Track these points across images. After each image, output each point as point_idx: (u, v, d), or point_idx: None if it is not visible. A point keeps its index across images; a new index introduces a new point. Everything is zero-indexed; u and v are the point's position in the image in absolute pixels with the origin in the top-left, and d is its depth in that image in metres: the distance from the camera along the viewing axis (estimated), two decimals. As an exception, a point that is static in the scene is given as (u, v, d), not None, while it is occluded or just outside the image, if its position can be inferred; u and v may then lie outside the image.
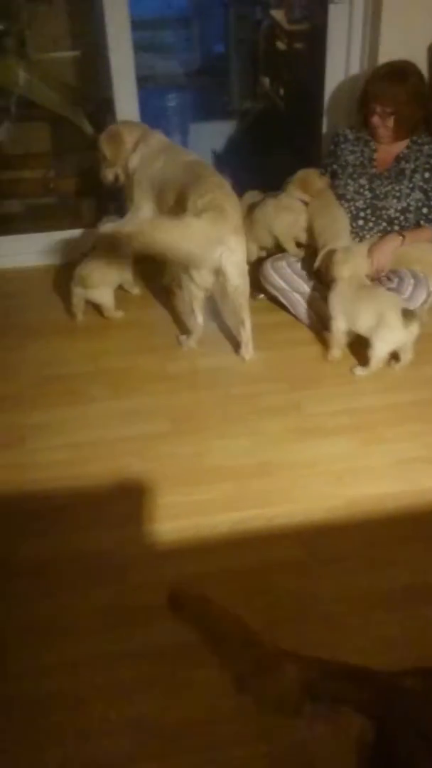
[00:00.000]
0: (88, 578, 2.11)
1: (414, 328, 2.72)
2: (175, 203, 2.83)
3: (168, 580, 2.03)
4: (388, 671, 1.15)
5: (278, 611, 2.00)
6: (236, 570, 2.12)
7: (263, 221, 3.16)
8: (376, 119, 3.02)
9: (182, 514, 2.28)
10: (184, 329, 3.07)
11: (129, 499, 2.36)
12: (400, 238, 3.01)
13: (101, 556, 2.17)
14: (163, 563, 2.15)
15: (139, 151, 3.03)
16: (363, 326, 2.79)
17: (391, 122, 2.99)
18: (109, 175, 3.17)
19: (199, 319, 2.96)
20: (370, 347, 2.78)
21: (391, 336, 2.74)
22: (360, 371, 2.84)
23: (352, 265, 2.81)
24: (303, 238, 3.17)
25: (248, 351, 2.98)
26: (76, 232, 3.62)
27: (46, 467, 2.48)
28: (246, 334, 2.97)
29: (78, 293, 3.15)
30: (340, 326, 2.85)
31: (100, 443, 2.57)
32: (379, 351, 2.78)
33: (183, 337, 3.04)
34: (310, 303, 3.13)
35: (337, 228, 3.02)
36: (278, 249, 3.22)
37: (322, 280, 3.00)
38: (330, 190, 3.16)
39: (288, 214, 3.14)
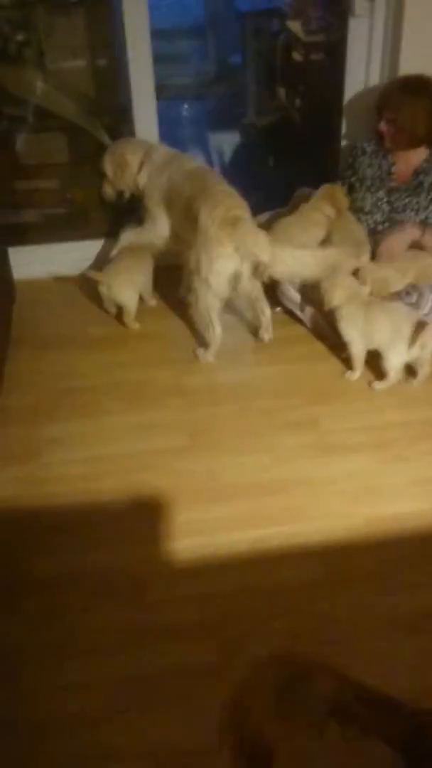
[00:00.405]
0: (104, 596, 2.09)
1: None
2: (184, 213, 2.87)
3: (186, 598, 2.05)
4: (426, 708, 1.12)
5: (296, 633, 1.97)
6: (254, 589, 2.09)
7: (286, 234, 3.12)
8: (381, 126, 3.05)
9: (199, 532, 2.26)
10: (201, 342, 3.05)
11: (145, 515, 2.34)
12: (419, 231, 3.00)
13: (117, 574, 2.15)
14: (180, 581, 2.12)
15: (145, 170, 3.08)
16: (380, 342, 2.77)
17: (393, 130, 3.02)
18: (109, 191, 3.23)
19: (217, 329, 2.94)
20: (385, 360, 2.76)
21: (405, 347, 2.72)
22: (379, 385, 2.81)
23: (343, 289, 2.79)
24: None
25: (268, 333, 3.09)
26: (92, 243, 3.61)
27: (62, 482, 2.45)
28: (266, 320, 3.08)
29: (103, 293, 3.15)
30: (357, 349, 2.84)
31: (116, 458, 2.55)
32: (395, 362, 2.76)
33: (200, 351, 3.02)
34: (312, 321, 3.11)
35: (356, 246, 3.01)
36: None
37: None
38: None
39: (316, 228, 3.12)
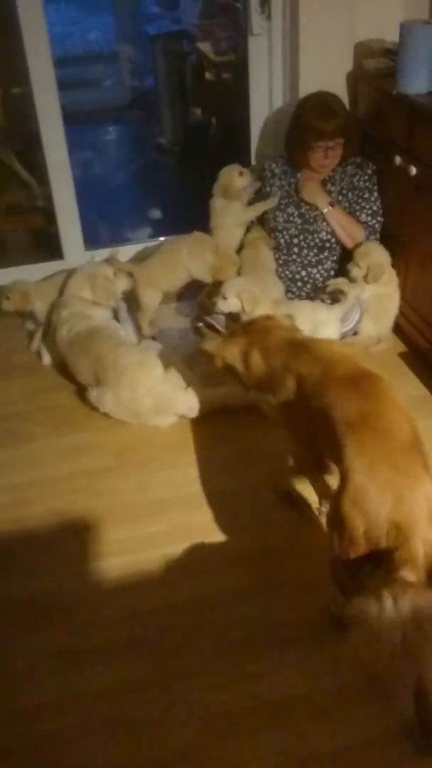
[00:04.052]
0: (33, 622, 2.08)
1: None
2: None
3: (116, 617, 2.05)
4: None
5: (227, 640, 2.00)
6: (185, 602, 2.11)
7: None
8: (320, 154, 3.02)
9: (127, 550, 2.27)
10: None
11: (73, 537, 2.33)
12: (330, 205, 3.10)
13: (46, 598, 2.14)
14: (109, 601, 2.12)
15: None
16: None
17: (339, 150, 3.03)
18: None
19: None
20: None
21: (330, 331, 2.86)
22: None
23: (231, 299, 2.85)
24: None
25: None
26: (14, 270, 3.59)
27: (-12, 511, 2.44)
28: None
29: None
30: None
31: (43, 483, 2.55)
32: None
33: None
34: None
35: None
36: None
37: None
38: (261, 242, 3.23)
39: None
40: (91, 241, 3.65)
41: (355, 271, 2.99)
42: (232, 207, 3.22)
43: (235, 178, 3.20)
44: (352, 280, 3.04)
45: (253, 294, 2.83)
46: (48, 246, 3.62)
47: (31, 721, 1.83)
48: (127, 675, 1.93)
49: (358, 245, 3.06)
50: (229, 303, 2.85)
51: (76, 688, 1.90)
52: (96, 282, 2.96)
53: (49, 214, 3.54)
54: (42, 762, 1.76)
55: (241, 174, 3.21)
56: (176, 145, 5.45)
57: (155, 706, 1.85)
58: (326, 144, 2.99)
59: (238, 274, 3.17)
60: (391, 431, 1.70)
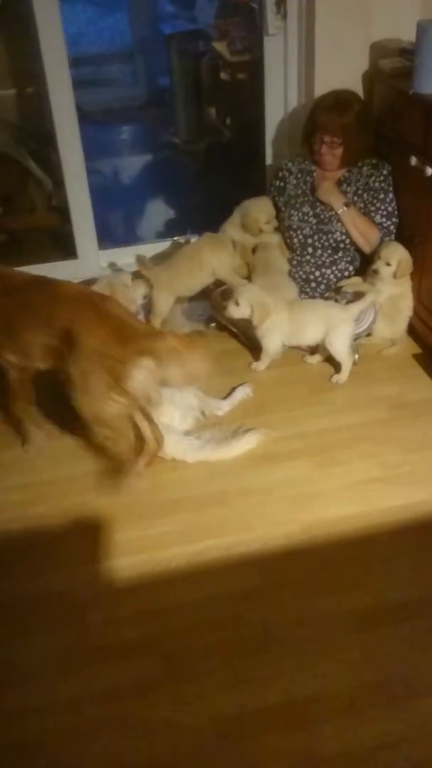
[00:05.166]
0: (46, 621, 2.08)
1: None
2: None
3: (127, 616, 2.06)
4: None
5: (239, 641, 2.00)
6: (195, 602, 2.11)
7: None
8: (324, 149, 3.05)
9: (139, 549, 2.27)
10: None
11: (85, 537, 2.34)
12: (346, 206, 3.09)
13: (58, 598, 2.14)
14: (120, 600, 2.13)
15: None
16: (313, 337, 2.93)
17: (339, 151, 3.04)
18: None
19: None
20: (335, 351, 2.92)
21: (346, 330, 2.89)
22: (337, 378, 2.96)
23: (245, 306, 2.87)
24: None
25: None
26: (29, 269, 3.59)
27: (1, 508, 2.44)
28: None
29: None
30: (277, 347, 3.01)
31: (55, 482, 2.55)
32: (346, 347, 2.92)
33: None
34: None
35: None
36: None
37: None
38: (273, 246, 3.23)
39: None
40: (105, 240, 3.66)
41: (385, 269, 2.97)
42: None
43: (262, 223, 3.22)
44: (376, 279, 3.02)
45: (266, 307, 2.86)
46: (62, 245, 3.62)
47: (42, 718, 1.84)
48: (138, 674, 1.93)
49: (382, 244, 3.04)
50: (241, 310, 2.86)
51: (87, 686, 1.90)
52: (114, 289, 2.98)
53: (63, 213, 3.55)
54: (51, 760, 1.76)
55: (267, 222, 3.22)
56: (191, 145, 5.45)
57: (166, 706, 1.85)
58: (327, 137, 3.01)
59: (250, 276, 3.17)
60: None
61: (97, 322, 2.29)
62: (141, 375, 2.26)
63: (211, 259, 3.17)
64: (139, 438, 2.46)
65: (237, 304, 2.86)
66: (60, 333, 2.30)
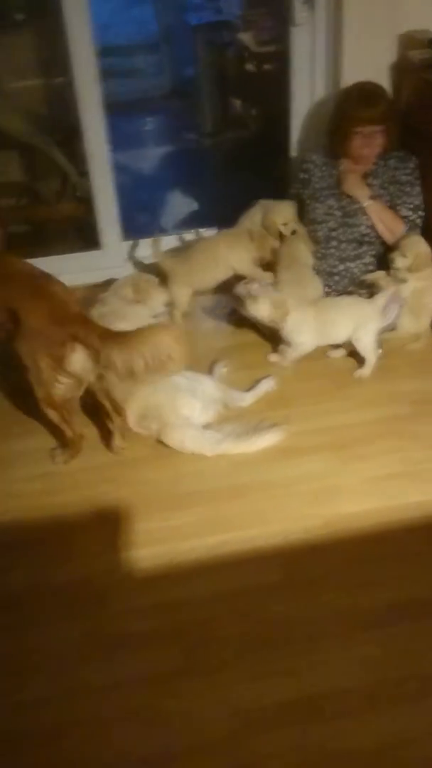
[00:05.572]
0: (65, 610, 2.10)
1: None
2: None
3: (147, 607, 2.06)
4: None
5: (258, 634, 2.00)
6: (214, 595, 2.11)
7: None
8: (361, 142, 3.00)
9: (159, 540, 2.27)
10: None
11: (106, 526, 2.35)
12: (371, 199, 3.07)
13: (78, 586, 2.15)
14: (140, 591, 2.14)
15: None
16: (342, 335, 2.90)
17: (379, 141, 3.01)
18: None
19: None
20: (362, 346, 2.90)
21: (374, 326, 2.87)
22: (361, 372, 2.93)
23: (264, 304, 2.85)
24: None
25: None
26: (52, 260, 3.61)
27: (23, 497, 2.46)
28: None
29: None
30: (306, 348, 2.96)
31: (77, 472, 2.56)
32: (371, 343, 2.90)
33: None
34: None
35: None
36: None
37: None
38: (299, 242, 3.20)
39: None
40: (129, 231, 3.66)
41: (400, 261, 2.94)
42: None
43: (279, 224, 3.21)
44: (395, 271, 2.99)
45: (285, 311, 2.85)
46: (85, 236, 3.63)
47: (63, 707, 1.85)
48: (158, 665, 1.94)
49: (402, 236, 3.01)
50: (260, 308, 2.84)
51: (107, 676, 1.91)
52: (138, 280, 3.00)
53: (87, 204, 3.55)
54: (71, 749, 1.77)
55: (285, 224, 3.21)
56: (215, 136, 5.43)
57: (185, 697, 1.86)
58: (366, 130, 2.96)
59: (275, 268, 3.16)
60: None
61: (40, 302, 2.38)
62: (77, 357, 2.36)
63: (228, 256, 3.18)
64: (106, 414, 2.60)
65: (255, 302, 2.85)
66: (6, 311, 2.40)
